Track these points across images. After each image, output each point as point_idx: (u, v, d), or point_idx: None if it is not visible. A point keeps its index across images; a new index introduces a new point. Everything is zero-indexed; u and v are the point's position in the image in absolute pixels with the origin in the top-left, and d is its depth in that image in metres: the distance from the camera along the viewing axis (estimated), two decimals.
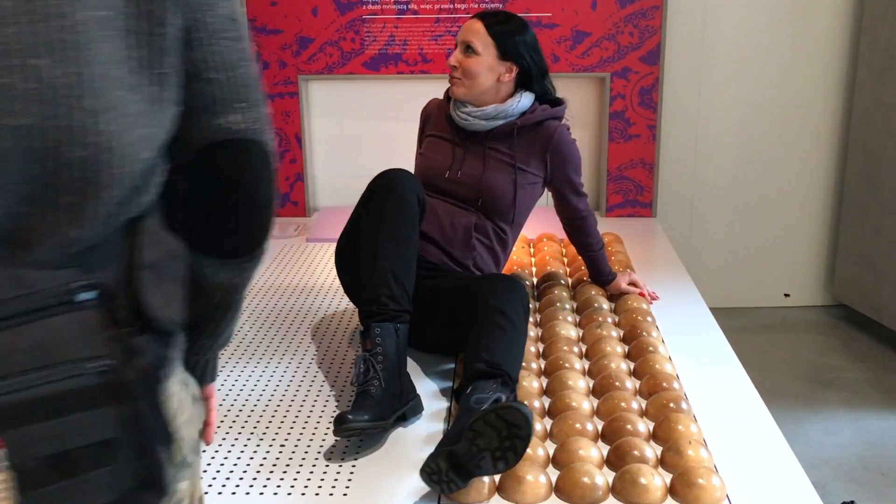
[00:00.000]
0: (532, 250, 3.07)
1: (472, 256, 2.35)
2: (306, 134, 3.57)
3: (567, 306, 2.52)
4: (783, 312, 3.75)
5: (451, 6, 3.37)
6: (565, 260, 2.97)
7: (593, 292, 2.59)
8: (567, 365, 2.13)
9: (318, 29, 3.41)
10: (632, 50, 3.38)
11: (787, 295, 3.80)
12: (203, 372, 1.04)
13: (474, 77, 2.31)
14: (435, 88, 3.46)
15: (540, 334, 2.37)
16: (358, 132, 3.61)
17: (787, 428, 2.73)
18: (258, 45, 3.41)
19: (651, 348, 2.21)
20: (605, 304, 2.53)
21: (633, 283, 2.59)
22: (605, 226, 3.34)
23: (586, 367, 2.19)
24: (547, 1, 3.34)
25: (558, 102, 2.42)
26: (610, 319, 2.42)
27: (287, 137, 3.52)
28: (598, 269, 2.57)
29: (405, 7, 3.38)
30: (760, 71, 3.53)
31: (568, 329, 2.35)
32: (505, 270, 2.83)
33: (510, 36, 2.30)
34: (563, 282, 2.72)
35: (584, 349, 2.29)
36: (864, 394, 3.04)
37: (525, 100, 2.36)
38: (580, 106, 3.54)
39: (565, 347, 2.23)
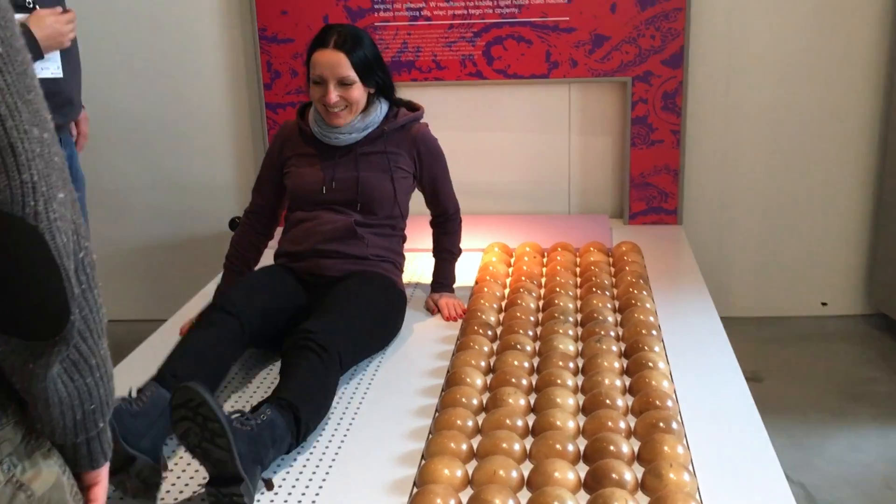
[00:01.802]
0: (545, 259, 2.99)
1: (364, 244, 2.43)
2: None
3: (570, 319, 2.44)
4: (819, 322, 3.59)
5: (465, 12, 3.31)
6: (577, 269, 2.88)
7: (599, 304, 2.50)
8: (559, 381, 2.05)
9: None
10: (654, 53, 3.27)
11: (824, 304, 3.63)
12: (75, 457, 0.95)
13: (356, 103, 2.40)
14: (449, 95, 3.45)
15: (537, 348, 2.30)
16: None
17: (811, 443, 2.62)
18: (269, 53, 3.42)
19: (650, 364, 2.12)
20: (611, 317, 2.44)
21: (446, 305, 2.58)
22: (627, 234, 3.25)
23: (580, 383, 2.11)
24: (564, 5, 3.26)
25: (415, 108, 2.56)
26: (613, 333, 2.34)
27: None
28: (441, 273, 2.65)
29: (418, 13, 3.34)
30: (792, 72, 3.38)
31: (566, 343, 2.27)
32: (513, 281, 2.77)
33: (368, 60, 2.39)
34: (570, 293, 2.63)
35: (580, 364, 2.20)
36: (895, 408, 2.87)
37: (383, 106, 2.48)
38: (601, 111, 3.45)
39: (560, 363, 2.15)
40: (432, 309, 2.61)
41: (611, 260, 2.95)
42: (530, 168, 3.53)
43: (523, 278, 2.76)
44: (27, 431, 0.90)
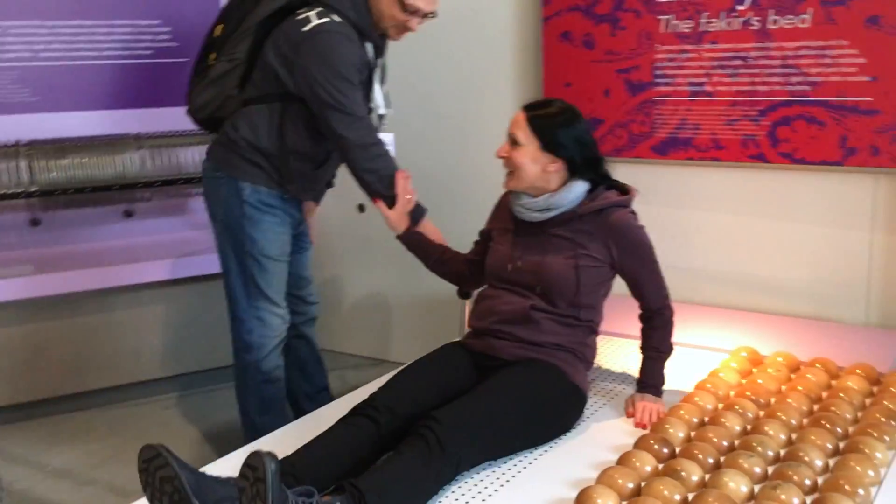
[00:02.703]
0: (793, 375, 2.56)
1: (540, 330, 2.29)
2: None
3: (769, 453, 2.07)
4: None
5: (751, 88, 2.99)
6: (824, 394, 2.43)
7: (816, 441, 2.08)
8: None
9: (608, 110, 3.29)
10: None
11: None
12: None
13: (519, 168, 2.31)
14: (727, 177, 3.14)
15: (706, 480, 1.98)
16: (644, 219, 3.38)
17: None
18: None
19: None
20: (819, 461, 2.02)
21: (642, 408, 2.33)
22: None
23: None
24: (867, 83, 2.80)
25: (626, 191, 2.37)
26: (809, 482, 1.92)
27: None
28: (646, 372, 2.41)
29: (699, 88, 3.09)
30: None
31: (739, 482, 1.92)
32: (736, 394, 2.42)
33: (551, 127, 2.27)
34: (793, 422, 2.23)
35: None
36: None
37: (577, 188, 2.32)
38: None
39: None
40: (629, 411, 2.39)
41: (874, 389, 2.45)
42: (817, 266, 3.06)
43: (747, 393, 2.40)
44: None
